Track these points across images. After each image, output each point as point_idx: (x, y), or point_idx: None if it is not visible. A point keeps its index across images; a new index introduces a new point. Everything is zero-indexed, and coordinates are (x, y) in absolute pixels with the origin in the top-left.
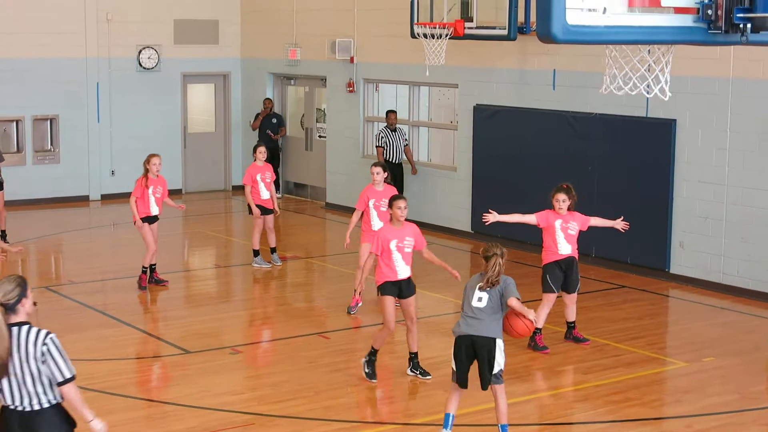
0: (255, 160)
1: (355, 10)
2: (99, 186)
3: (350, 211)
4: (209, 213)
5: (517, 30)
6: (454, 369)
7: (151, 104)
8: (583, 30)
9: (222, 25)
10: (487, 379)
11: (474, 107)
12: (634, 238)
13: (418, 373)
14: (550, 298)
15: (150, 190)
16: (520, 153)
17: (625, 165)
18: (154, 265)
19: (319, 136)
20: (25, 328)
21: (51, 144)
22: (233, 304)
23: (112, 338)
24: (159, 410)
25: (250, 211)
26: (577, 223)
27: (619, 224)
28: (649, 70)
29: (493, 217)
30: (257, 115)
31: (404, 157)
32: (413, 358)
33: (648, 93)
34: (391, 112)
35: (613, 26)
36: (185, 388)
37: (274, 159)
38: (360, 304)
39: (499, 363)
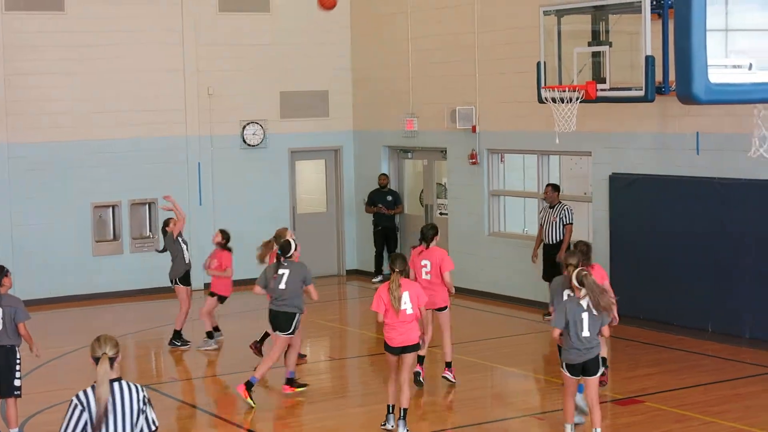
0: None
1: (477, 75)
2: (202, 275)
3: (477, 294)
4: (322, 300)
5: (655, 90)
6: None
7: (257, 184)
8: (727, 89)
9: (332, 96)
10: None
11: (610, 176)
12: None
13: None
14: None
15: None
16: (662, 225)
17: None
18: None
19: (440, 213)
20: (124, 382)
21: (150, 230)
22: (349, 399)
23: None
24: None
25: None
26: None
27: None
28: None
29: None
30: (370, 195)
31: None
32: None
33: None
34: (548, 186)
35: (761, 83)
36: None
37: (390, 239)
38: None
39: None
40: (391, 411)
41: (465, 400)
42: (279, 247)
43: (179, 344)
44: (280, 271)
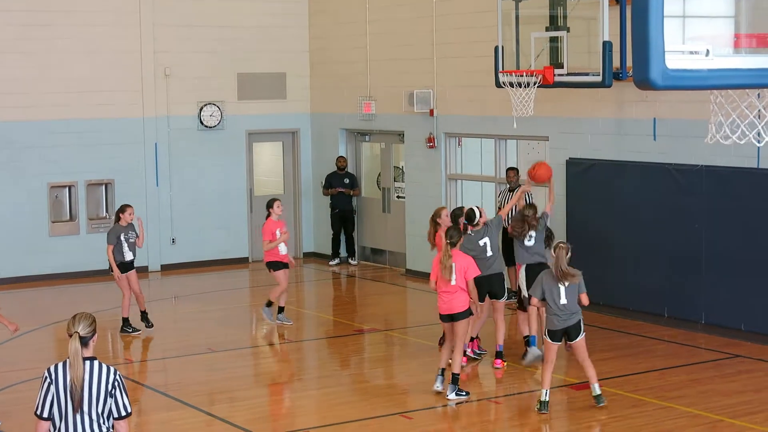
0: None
1: (434, 58)
2: (159, 256)
3: None
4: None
5: (612, 76)
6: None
7: (214, 165)
8: (684, 75)
9: (290, 79)
10: None
11: (567, 161)
12: (749, 302)
13: None
14: None
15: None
16: (618, 210)
17: (735, 221)
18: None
19: (398, 197)
20: (96, 362)
21: (106, 211)
22: (306, 382)
23: (175, 422)
24: None
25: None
26: None
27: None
28: (759, 117)
29: None
30: (328, 178)
31: None
32: None
33: (759, 142)
34: (509, 170)
35: (718, 69)
36: None
37: (348, 222)
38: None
39: None
40: (440, 374)
41: (420, 383)
42: (465, 217)
43: (130, 330)
44: (481, 243)
